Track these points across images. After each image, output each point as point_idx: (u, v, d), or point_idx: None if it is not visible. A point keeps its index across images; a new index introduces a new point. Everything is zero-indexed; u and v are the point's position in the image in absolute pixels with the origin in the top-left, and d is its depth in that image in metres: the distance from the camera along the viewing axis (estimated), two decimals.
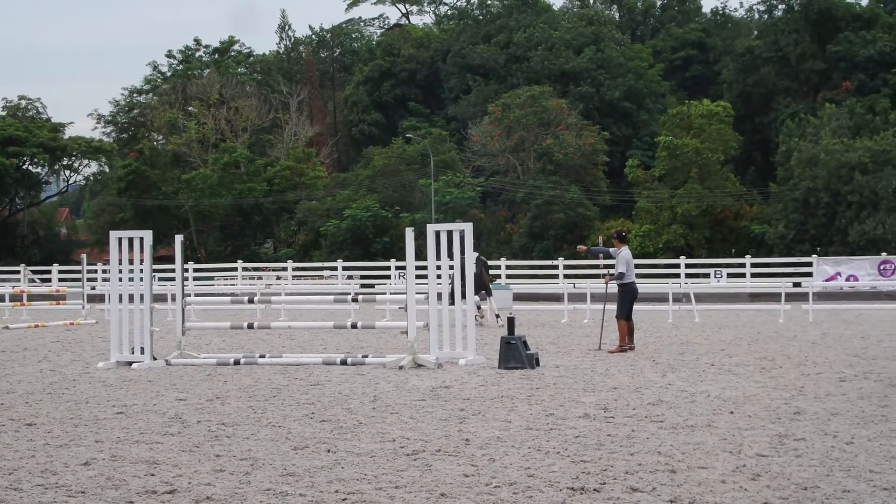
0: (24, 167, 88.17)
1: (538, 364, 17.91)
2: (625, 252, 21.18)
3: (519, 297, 39.45)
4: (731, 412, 12.48)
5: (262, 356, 19.70)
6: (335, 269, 58.29)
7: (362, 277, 58.04)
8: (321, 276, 60.13)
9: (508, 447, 10.37)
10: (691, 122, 71.11)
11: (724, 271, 52.87)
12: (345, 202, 74.96)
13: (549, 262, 56.86)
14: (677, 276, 50.54)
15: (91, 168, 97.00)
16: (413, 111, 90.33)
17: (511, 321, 18.67)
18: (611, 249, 21.66)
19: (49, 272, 62.51)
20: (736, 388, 14.75)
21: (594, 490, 8.53)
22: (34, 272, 63.61)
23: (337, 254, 67.99)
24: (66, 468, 9.67)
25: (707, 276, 53.14)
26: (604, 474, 9.10)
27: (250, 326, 22.13)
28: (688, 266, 52.38)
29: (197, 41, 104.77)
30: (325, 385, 15.76)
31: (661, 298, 35.59)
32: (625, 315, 20.84)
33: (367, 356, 19.37)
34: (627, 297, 20.97)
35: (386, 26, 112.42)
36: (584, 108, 79.76)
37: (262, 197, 79.85)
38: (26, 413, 13.23)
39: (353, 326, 21.34)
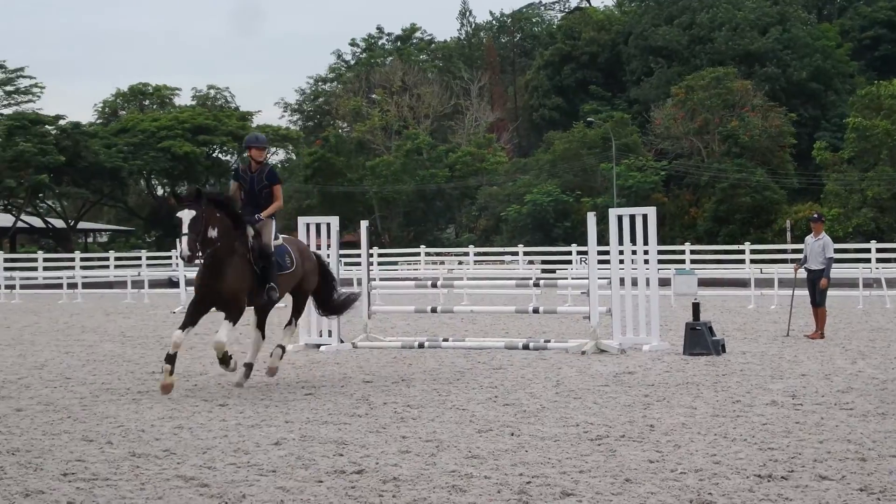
0: (213, 155, 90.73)
1: (724, 350, 17.69)
2: (828, 236, 20.71)
3: (704, 283, 38.85)
4: None
5: (446, 340, 19.92)
6: (516, 254, 58.32)
7: (543, 262, 57.88)
8: (502, 261, 60.24)
9: (694, 434, 10.28)
10: (881, 103, 68.79)
11: None
12: (526, 187, 74.94)
13: (734, 247, 55.80)
14: (868, 260, 49.01)
15: (278, 155, 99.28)
16: (594, 95, 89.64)
17: (696, 306, 18.46)
18: (808, 238, 20.98)
19: None
20: None
21: (782, 478, 8.40)
22: None
23: (518, 239, 68.06)
24: (257, 448, 9.95)
25: None
26: (792, 462, 8.95)
27: (434, 310, 22.32)
28: (878, 251, 50.72)
29: (380, 29, 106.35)
30: (508, 369, 15.85)
31: (851, 284, 34.61)
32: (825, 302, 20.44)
33: (549, 341, 19.40)
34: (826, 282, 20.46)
35: (566, 10, 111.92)
36: (770, 90, 77.91)
37: (443, 183, 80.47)
38: (219, 394, 13.66)
39: (535, 311, 21.37)
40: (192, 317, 13.64)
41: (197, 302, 13.78)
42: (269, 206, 14.31)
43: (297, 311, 15.63)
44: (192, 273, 36.72)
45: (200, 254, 13.38)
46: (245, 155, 15.55)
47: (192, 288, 14.12)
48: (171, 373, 13.20)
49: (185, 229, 13.14)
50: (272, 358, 14.88)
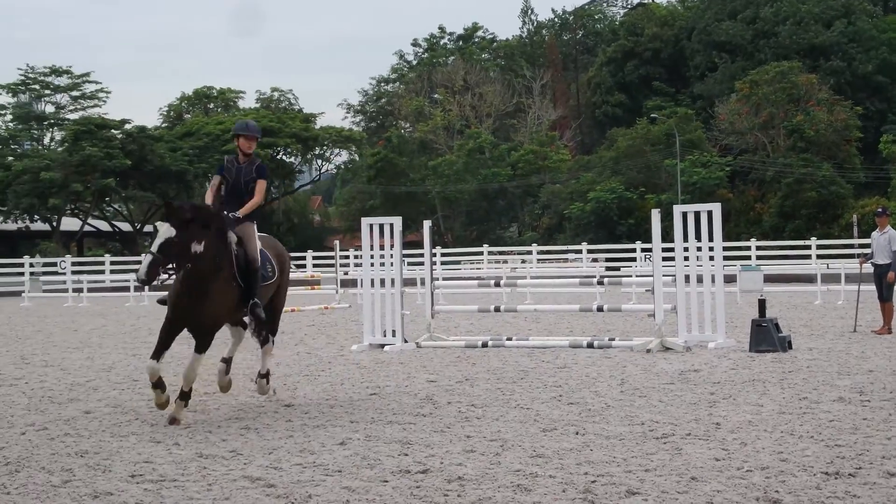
0: (277, 157, 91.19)
1: (790, 347, 17.53)
2: (893, 230, 20.48)
3: (770, 279, 38.50)
4: None
5: (510, 339, 19.90)
6: (580, 251, 58.15)
7: (607, 260, 57.69)
8: (566, 260, 60.07)
9: (760, 431, 10.19)
10: None
11: None
12: (589, 185, 74.71)
13: (800, 243, 55.27)
14: None
15: (342, 157, 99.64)
16: (657, 91, 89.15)
17: (762, 303, 18.30)
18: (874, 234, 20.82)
19: (303, 258, 64.54)
20: None
21: (849, 475, 8.30)
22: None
23: (581, 237, 67.86)
24: (322, 448, 9.99)
25: None
26: (859, 459, 8.85)
27: (497, 309, 22.29)
28: None
29: (441, 29, 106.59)
30: (572, 368, 15.80)
31: None
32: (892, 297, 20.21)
33: (613, 339, 19.33)
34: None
35: (629, 6, 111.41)
36: (835, 83, 77.08)
37: (506, 181, 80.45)
38: (284, 395, 13.74)
39: (599, 309, 21.27)
40: (165, 341, 11.86)
41: (170, 322, 11.86)
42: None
43: (272, 324, 13.59)
44: None
45: (162, 277, 11.44)
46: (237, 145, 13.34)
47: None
48: (163, 391, 11.85)
49: (154, 248, 11.18)
50: (259, 387, 13.27)
